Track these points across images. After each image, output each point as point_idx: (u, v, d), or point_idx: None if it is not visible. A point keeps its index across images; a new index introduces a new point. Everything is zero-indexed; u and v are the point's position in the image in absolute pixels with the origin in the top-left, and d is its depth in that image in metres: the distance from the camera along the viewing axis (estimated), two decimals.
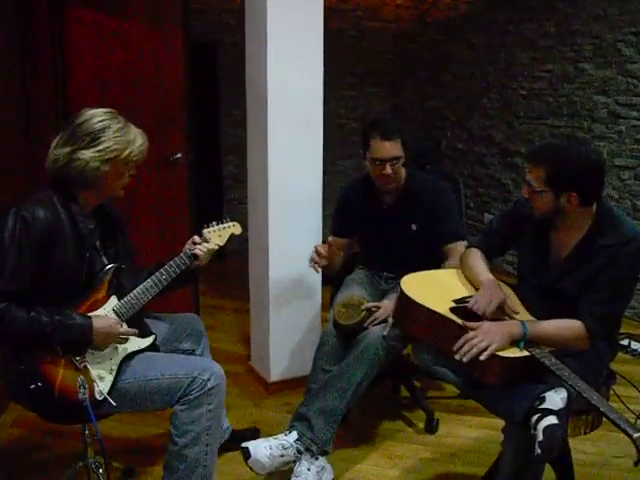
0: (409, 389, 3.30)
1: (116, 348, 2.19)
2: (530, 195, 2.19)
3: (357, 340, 2.72)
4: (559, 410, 1.92)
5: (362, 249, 3.29)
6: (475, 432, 3.09)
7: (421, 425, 3.15)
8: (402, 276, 2.47)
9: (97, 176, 2.11)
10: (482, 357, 2.01)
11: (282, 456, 2.54)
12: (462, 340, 2.07)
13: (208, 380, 2.18)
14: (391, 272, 3.10)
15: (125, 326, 2.20)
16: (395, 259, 3.06)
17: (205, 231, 2.45)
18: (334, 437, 2.66)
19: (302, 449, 2.58)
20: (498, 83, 5.58)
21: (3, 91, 3.30)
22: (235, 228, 2.52)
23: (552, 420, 1.88)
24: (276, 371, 3.48)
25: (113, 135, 2.10)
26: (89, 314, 2.13)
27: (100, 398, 2.10)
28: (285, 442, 2.57)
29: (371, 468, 2.82)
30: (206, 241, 2.42)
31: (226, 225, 2.49)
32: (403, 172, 2.98)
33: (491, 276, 2.34)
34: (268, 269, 3.33)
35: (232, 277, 5.22)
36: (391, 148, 2.84)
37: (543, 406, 1.93)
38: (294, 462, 2.58)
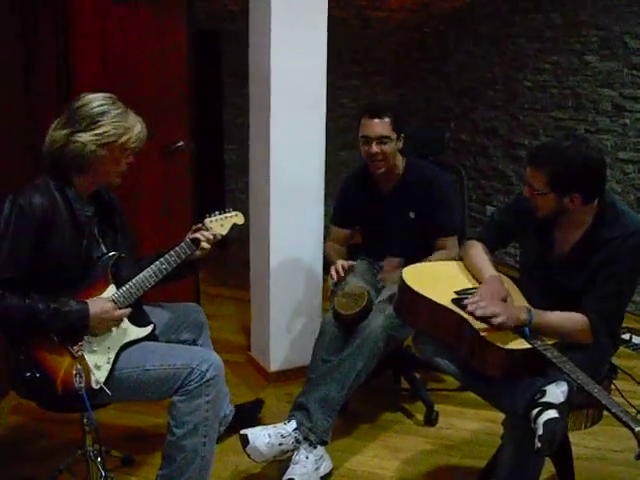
0: (409, 380, 3.29)
1: (114, 337, 2.18)
2: (532, 196, 2.17)
3: (357, 330, 2.71)
4: (560, 404, 1.91)
5: (363, 239, 3.29)
6: (475, 424, 3.08)
7: (421, 417, 3.13)
8: (404, 265, 2.46)
9: (93, 160, 2.09)
10: (495, 321, 2.02)
11: (280, 444, 2.53)
12: (476, 298, 2.08)
13: (207, 371, 2.16)
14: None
15: (125, 310, 2.18)
16: (396, 248, 3.06)
17: (207, 220, 2.42)
18: (332, 427, 2.65)
19: (300, 438, 2.57)
20: (503, 74, 5.54)
21: (4, 77, 3.27)
22: (238, 218, 2.48)
23: (552, 414, 1.86)
24: (276, 361, 3.47)
25: (112, 120, 2.09)
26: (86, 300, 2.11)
27: (96, 387, 2.09)
28: (284, 431, 2.56)
29: (370, 459, 2.81)
30: (207, 230, 2.39)
31: (229, 215, 2.46)
32: (398, 158, 2.99)
33: (494, 271, 2.32)
34: (269, 258, 3.32)
35: (234, 265, 5.20)
36: (378, 125, 2.85)
37: (544, 400, 1.91)
38: (292, 451, 2.57)
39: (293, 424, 2.59)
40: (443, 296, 2.21)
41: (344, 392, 2.63)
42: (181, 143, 4.10)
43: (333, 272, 2.89)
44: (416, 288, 2.23)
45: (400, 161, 3.02)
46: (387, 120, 2.85)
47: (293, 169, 3.26)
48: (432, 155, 3.33)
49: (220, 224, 2.44)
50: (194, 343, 2.60)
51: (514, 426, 2.05)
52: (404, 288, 2.28)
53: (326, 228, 3.40)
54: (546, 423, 1.84)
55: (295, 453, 2.56)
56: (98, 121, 2.07)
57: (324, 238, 3.40)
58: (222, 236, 2.45)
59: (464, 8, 5.94)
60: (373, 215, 3.11)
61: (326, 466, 2.62)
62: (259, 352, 3.61)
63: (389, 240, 3.09)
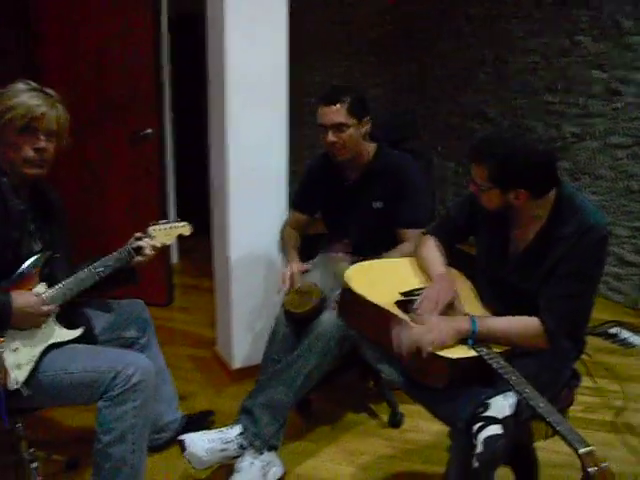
0: (375, 379, 3.13)
1: (39, 337, 2.06)
2: (476, 192, 2.00)
3: (309, 329, 2.56)
4: (504, 418, 1.74)
5: (326, 228, 3.11)
6: (441, 427, 2.87)
7: (386, 418, 2.98)
8: (364, 259, 2.33)
9: None
10: (424, 354, 1.84)
11: (223, 450, 2.41)
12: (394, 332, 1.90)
13: (132, 375, 2.02)
14: (352, 254, 2.90)
15: (50, 306, 2.07)
16: (357, 240, 2.89)
17: (150, 228, 2.33)
18: (283, 431, 2.51)
19: (246, 444, 2.43)
20: (493, 56, 5.34)
21: None
22: (184, 229, 2.40)
23: (494, 430, 1.70)
24: (239, 357, 3.33)
25: None
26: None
27: (15, 387, 1.96)
28: (226, 436, 2.43)
29: (325, 463, 2.67)
30: (149, 237, 2.30)
31: (175, 224, 2.38)
32: (364, 144, 2.78)
33: (444, 269, 2.17)
34: (228, 253, 3.17)
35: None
36: (332, 113, 2.64)
37: (487, 413, 1.75)
38: (237, 457, 2.44)
39: (237, 429, 2.46)
40: (387, 297, 2.05)
41: (292, 395, 2.49)
42: (149, 130, 3.96)
43: (286, 279, 2.75)
44: (357, 289, 2.07)
45: (367, 147, 2.81)
46: (342, 106, 2.63)
47: (252, 158, 3.08)
48: (404, 140, 3.13)
49: (165, 233, 2.36)
50: (137, 341, 2.50)
51: (458, 440, 1.89)
52: (345, 289, 2.12)
53: None
54: (486, 441, 1.69)
55: (240, 459, 2.43)
56: None
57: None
58: (166, 245, 2.36)
59: None
60: (336, 203, 2.93)
61: (276, 471, 2.48)
62: (223, 348, 3.47)
63: (351, 231, 2.91)
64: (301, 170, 3.08)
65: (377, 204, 2.81)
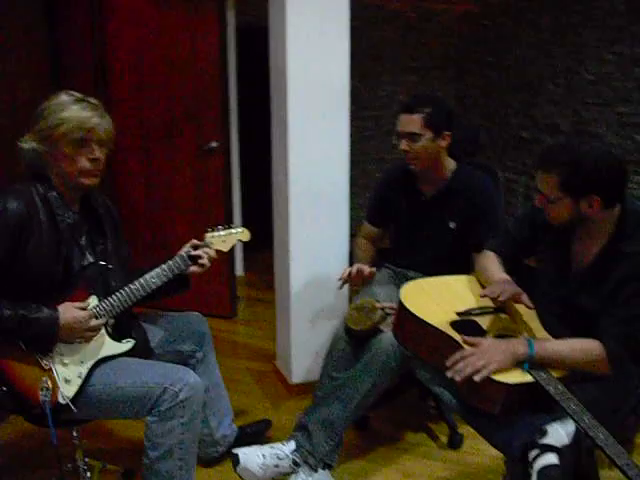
0: (434, 399, 3.06)
1: (89, 351, 2.07)
2: (545, 205, 1.92)
3: (367, 346, 2.51)
4: (563, 447, 1.66)
5: (392, 243, 3.04)
6: None
7: (444, 439, 2.91)
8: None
9: (39, 158, 2.02)
10: (476, 378, 1.77)
11: (277, 466, 2.39)
12: (457, 355, 1.84)
13: (180, 391, 2.03)
14: (418, 271, 2.81)
15: (99, 320, 2.07)
16: (426, 257, 2.81)
17: (208, 235, 2.32)
18: (338, 450, 2.47)
19: (299, 461, 2.41)
20: (564, 67, 5.17)
21: (36, 81, 3.27)
22: (243, 235, 2.38)
23: (551, 460, 1.63)
24: (298, 372, 3.31)
25: (47, 113, 2.00)
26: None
27: (64, 402, 1.98)
28: (280, 452, 2.41)
29: None
30: (207, 246, 2.29)
31: (233, 231, 2.35)
32: (443, 159, 2.74)
33: (507, 276, 2.10)
34: (289, 265, 3.16)
35: None
36: (408, 122, 2.62)
37: (544, 441, 1.67)
38: (290, 474, 2.42)
39: (292, 445, 2.43)
40: (443, 317, 1.99)
41: (349, 413, 2.44)
42: (214, 144, 4.01)
43: (345, 273, 2.71)
44: (412, 308, 2.02)
45: (447, 163, 2.76)
46: (419, 116, 2.59)
47: (313, 174, 3.07)
48: (466, 156, 3.05)
49: (222, 240, 2.34)
50: (194, 354, 2.49)
51: (513, 468, 1.83)
52: (400, 307, 2.07)
53: (352, 237, 3.22)
54: (542, 471, 1.61)
55: (293, 476, 2.41)
56: (38, 117, 2.01)
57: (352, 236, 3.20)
58: (223, 253, 2.34)
59: None
60: (409, 218, 2.86)
61: None
62: (282, 362, 3.46)
63: (419, 249, 2.84)
64: (366, 184, 3.05)
65: (452, 224, 2.76)
